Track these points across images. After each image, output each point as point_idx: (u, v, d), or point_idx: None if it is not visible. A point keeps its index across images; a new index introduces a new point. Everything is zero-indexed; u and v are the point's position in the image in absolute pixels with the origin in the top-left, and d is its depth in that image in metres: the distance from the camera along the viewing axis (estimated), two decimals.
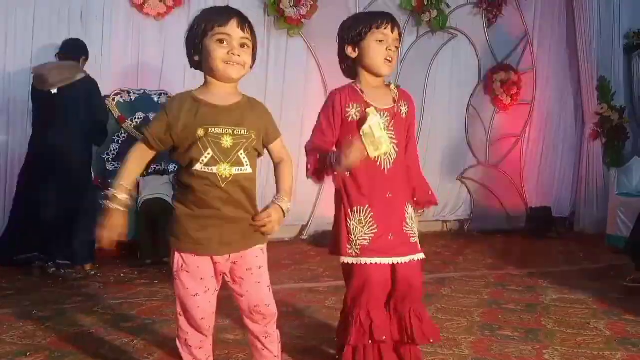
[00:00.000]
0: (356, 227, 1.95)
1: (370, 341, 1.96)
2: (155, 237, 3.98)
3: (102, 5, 4.53)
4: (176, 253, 1.69)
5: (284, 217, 1.75)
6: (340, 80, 2.11)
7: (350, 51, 1.99)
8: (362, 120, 1.93)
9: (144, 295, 3.21)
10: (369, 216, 1.95)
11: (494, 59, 6.10)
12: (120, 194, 1.64)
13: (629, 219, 4.85)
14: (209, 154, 1.63)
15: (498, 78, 6.07)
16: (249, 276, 1.73)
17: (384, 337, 1.95)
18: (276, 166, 1.84)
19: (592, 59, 6.01)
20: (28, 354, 2.24)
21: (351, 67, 2.04)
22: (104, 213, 1.63)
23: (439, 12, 5.67)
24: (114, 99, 4.41)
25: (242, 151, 1.67)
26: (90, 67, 4.48)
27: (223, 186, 1.64)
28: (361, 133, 1.91)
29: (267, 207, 1.73)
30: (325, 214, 5.02)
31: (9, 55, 4.26)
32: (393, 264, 1.96)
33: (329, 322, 2.65)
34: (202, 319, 1.72)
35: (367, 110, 1.93)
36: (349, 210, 1.97)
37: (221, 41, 1.64)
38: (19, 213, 3.81)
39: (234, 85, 1.73)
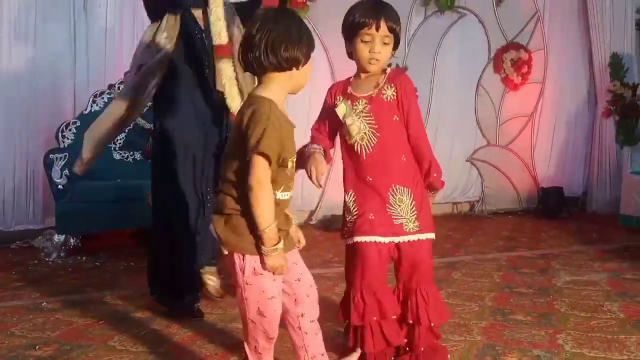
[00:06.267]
0: (348, 209, 2.06)
1: (362, 322, 2.00)
2: None
3: None
4: (249, 257, 1.60)
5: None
6: (346, 62, 2.12)
7: (346, 45, 2.04)
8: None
9: None
10: (352, 200, 2.05)
11: (504, 38, 5.99)
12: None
13: None
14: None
15: (508, 57, 5.97)
16: (300, 261, 1.79)
17: (375, 318, 1.99)
18: None
19: (603, 36, 5.88)
20: (37, 347, 2.24)
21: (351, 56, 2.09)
22: None
23: None
24: (119, 88, 4.37)
25: None
26: (95, 57, 4.48)
27: None
28: (343, 121, 2.00)
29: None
30: (333, 198, 4.99)
31: (12, 46, 4.23)
32: (397, 243, 2.01)
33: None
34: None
35: (336, 101, 2.05)
36: (345, 193, 2.08)
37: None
38: None
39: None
